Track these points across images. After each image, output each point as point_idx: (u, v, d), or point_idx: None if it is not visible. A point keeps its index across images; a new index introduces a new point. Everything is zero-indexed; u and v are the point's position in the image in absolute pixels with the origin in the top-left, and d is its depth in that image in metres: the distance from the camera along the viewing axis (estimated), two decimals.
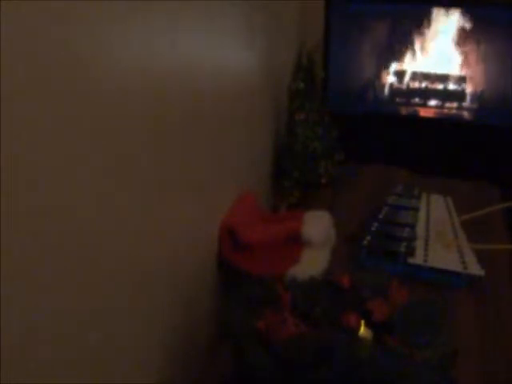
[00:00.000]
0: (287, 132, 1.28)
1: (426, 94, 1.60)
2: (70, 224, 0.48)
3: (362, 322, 0.62)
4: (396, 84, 1.62)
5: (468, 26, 1.51)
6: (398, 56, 1.60)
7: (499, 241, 1.07)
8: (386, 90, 1.63)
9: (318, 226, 0.97)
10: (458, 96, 1.57)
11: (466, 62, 1.55)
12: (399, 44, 1.59)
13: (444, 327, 0.62)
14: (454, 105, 1.59)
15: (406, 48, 1.59)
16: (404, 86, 1.61)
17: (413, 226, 1.09)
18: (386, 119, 1.61)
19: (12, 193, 0.40)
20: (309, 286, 0.67)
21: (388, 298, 0.64)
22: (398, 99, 1.63)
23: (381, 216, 1.13)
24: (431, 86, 1.60)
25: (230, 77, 0.95)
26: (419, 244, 1.02)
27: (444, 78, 1.58)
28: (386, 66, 1.61)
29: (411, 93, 1.61)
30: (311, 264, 0.90)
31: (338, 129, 1.34)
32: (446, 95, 1.59)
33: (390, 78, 1.62)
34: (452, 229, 1.09)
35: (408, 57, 1.60)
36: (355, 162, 1.44)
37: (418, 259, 0.96)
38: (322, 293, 0.66)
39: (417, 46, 1.58)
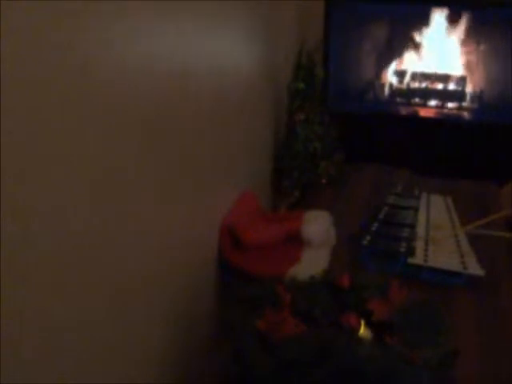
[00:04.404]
0: (287, 132, 1.28)
1: (426, 93, 1.60)
2: (71, 224, 0.48)
3: (362, 322, 0.62)
4: (396, 84, 1.62)
5: (468, 26, 1.51)
6: (398, 56, 1.60)
7: (499, 241, 1.07)
8: (386, 90, 1.63)
9: (317, 225, 0.97)
10: (458, 96, 1.57)
11: (466, 62, 1.55)
12: (399, 44, 1.59)
13: (444, 327, 0.62)
14: (454, 105, 1.59)
15: (406, 48, 1.59)
16: (404, 86, 1.61)
17: (413, 226, 1.09)
18: (386, 119, 1.61)
19: (11, 195, 0.40)
20: (309, 286, 0.67)
21: (388, 298, 0.64)
22: (398, 99, 1.63)
23: (381, 216, 1.13)
24: (431, 86, 1.60)
25: (231, 77, 0.95)
26: (419, 244, 1.02)
27: (444, 78, 1.58)
28: (386, 66, 1.61)
29: (411, 93, 1.61)
30: (311, 264, 0.90)
31: (337, 129, 1.34)
32: (446, 95, 1.59)
33: (389, 78, 1.62)
34: (452, 229, 1.09)
35: (408, 57, 1.60)
36: (355, 162, 1.44)
37: (417, 259, 0.96)
38: (321, 293, 0.66)
39: (417, 46, 1.58)
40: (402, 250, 0.99)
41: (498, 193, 1.37)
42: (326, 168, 1.32)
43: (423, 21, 1.55)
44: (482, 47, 1.52)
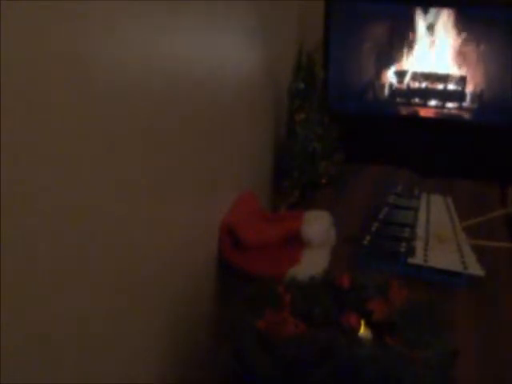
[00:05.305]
0: (287, 132, 1.28)
1: (426, 94, 1.60)
2: (70, 224, 0.48)
3: (362, 322, 0.62)
4: (396, 84, 1.62)
5: (468, 25, 1.51)
6: (398, 56, 1.60)
7: (499, 241, 1.07)
8: (386, 90, 1.63)
9: (317, 225, 0.97)
10: (458, 96, 1.57)
11: (465, 62, 1.55)
12: (399, 44, 1.59)
13: (444, 327, 0.62)
14: (454, 105, 1.59)
15: (406, 48, 1.59)
16: (404, 86, 1.61)
17: (413, 226, 1.09)
18: (386, 119, 1.61)
19: (12, 193, 0.40)
20: (309, 286, 0.67)
21: (388, 298, 0.64)
22: (398, 99, 1.63)
23: (381, 216, 1.13)
24: (431, 86, 1.60)
25: (230, 77, 0.95)
26: (419, 244, 1.02)
27: (444, 78, 1.58)
28: (386, 66, 1.61)
29: (411, 93, 1.61)
30: (311, 264, 0.90)
31: (337, 129, 1.34)
32: (446, 95, 1.59)
33: (390, 78, 1.62)
34: (452, 229, 1.09)
35: (408, 57, 1.60)
36: (355, 162, 1.44)
37: (417, 259, 0.96)
38: (321, 293, 0.66)
39: (417, 46, 1.58)
40: (402, 250, 0.99)
41: (499, 193, 1.37)
42: (326, 168, 1.32)
43: (423, 21, 1.55)
44: (481, 47, 1.52)
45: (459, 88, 1.57)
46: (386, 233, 1.06)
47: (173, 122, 0.69)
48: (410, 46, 1.59)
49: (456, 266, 0.94)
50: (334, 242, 1.02)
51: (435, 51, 1.58)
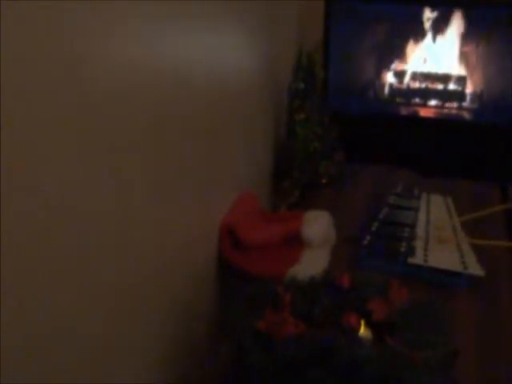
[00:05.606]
0: (287, 132, 1.28)
1: (426, 93, 1.60)
2: (70, 225, 0.48)
3: (362, 322, 0.62)
4: (396, 84, 1.62)
5: (468, 25, 1.51)
6: (398, 56, 1.60)
7: (499, 240, 1.07)
8: (386, 90, 1.63)
9: (318, 225, 0.97)
10: (458, 96, 1.57)
11: (465, 62, 1.55)
12: (399, 44, 1.59)
13: (444, 327, 0.62)
14: (454, 105, 1.59)
15: (406, 48, 1.59)
16: (404, 86, 1.61)
17: (413, 226, 1.09)
18: (386, 119, 1.61)
19: (12, 193, 0.40)
20: (309, 286, 0.67)
21: (388, 298, 0.64)
22: (398, 99, 1.63)
23: (381, 216, 1.13)
24: (431, 86, 1.60)
25: (230, 77, 0.95)
26: (419, 244, 1.02)
27: (444, 78, 1.58)
28: (386, 66, 1.61)
29: (411, 93, 1.61)
30: (311, 264, 0.90)
31: (337, 129, 1.34)
32: (446, 95, 1.59)
33: (389, 78, 1.62)
34: (452, 229, 1.09)
35: (408, 57, 1.60)
36: (355, 162, 1.44)
37: (417, 259, 0.96)
38: (321, 293, 0.66)
39: (417, 46, 1.58)
40: (402, 249, 0.99)
41: (499, 193, 1.37)
42: (326, 168, 1.32)
43: (423, 21, 1.55)
44: (481, 47, 1.52)
45: (459, 88, 1.57)
46: (386, 233, 1.06)
47: (173, 121, 0.69)
48: (410, 46, 1.58)
49: (456, 266, 0.94)
50: (334, 241, 1.02)
51: (435, 51, 1.58)
